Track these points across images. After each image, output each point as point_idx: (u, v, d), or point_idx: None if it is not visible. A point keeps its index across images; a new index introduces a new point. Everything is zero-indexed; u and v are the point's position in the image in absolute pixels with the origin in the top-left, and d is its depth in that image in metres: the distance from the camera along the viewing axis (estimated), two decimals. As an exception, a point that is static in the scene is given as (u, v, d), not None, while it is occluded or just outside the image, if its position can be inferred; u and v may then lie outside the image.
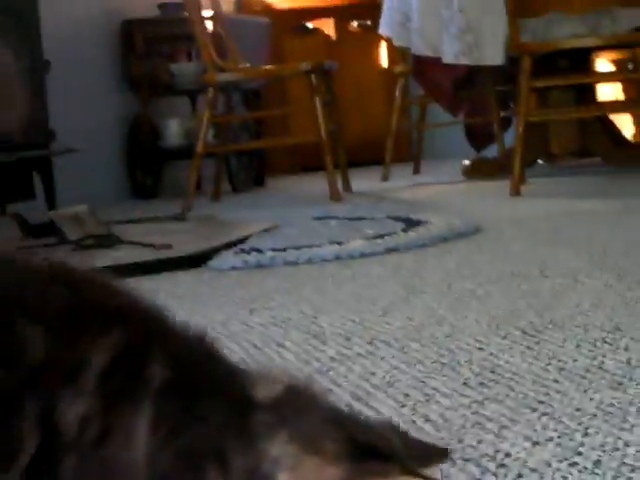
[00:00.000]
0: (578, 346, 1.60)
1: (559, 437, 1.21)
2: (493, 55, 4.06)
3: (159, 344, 0.66)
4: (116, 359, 0.62)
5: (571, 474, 1.10)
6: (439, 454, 0.71)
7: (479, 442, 1.17)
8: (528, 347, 1.60)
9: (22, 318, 0.57)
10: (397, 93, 5.15)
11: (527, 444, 1.21)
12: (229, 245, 2.59)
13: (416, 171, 5.60)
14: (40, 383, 0.58)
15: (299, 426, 0.65)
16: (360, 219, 3.16)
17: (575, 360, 1.53)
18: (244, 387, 0.68)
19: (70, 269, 0.73)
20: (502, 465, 1.09)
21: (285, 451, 0.64)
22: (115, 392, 0.63)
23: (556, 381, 1.43)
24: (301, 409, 0.67)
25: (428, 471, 0.66)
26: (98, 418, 0.62)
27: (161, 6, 5.20)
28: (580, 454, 1.16)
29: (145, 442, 0.62)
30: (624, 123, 5.91)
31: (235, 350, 1.62)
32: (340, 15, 6.83)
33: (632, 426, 1.24)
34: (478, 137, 5.42)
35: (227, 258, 2.45)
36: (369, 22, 6.66)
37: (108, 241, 2.92)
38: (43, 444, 0.61)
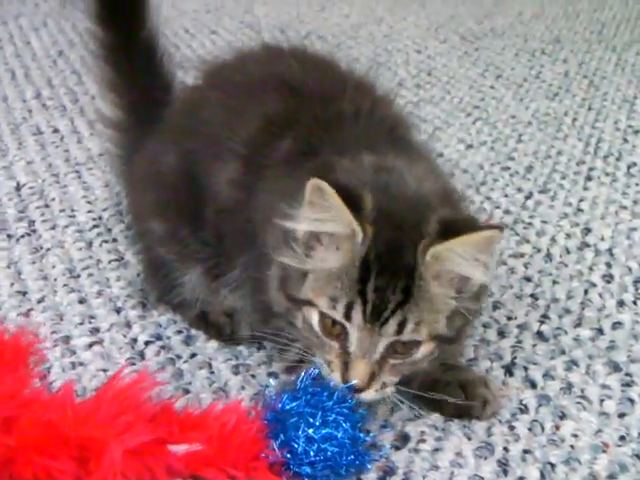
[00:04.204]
0: (517, 55, 1.58)
1: (493, 142, 1.21)
2: None
3: None
4: None
5: (502, 177, 1.11)
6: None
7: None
8: (466, 53, 1.57)
9: None
10: None
11: (461, 146, 1.21)
12: None
13: None
14: None
15: None
16: None
17: (513, 69, 1.50)
18: None
19: None
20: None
21: None
22: None
23: (493, 87, 1.42)
24: None
25: None
26: None
27: None
28: (513, 159, 1.17)
29: None
30: None
31: (167, 35, 1.55)
32: None
33: (565, 136, 1.24)
34: None
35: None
36: None
37: None
38: None
